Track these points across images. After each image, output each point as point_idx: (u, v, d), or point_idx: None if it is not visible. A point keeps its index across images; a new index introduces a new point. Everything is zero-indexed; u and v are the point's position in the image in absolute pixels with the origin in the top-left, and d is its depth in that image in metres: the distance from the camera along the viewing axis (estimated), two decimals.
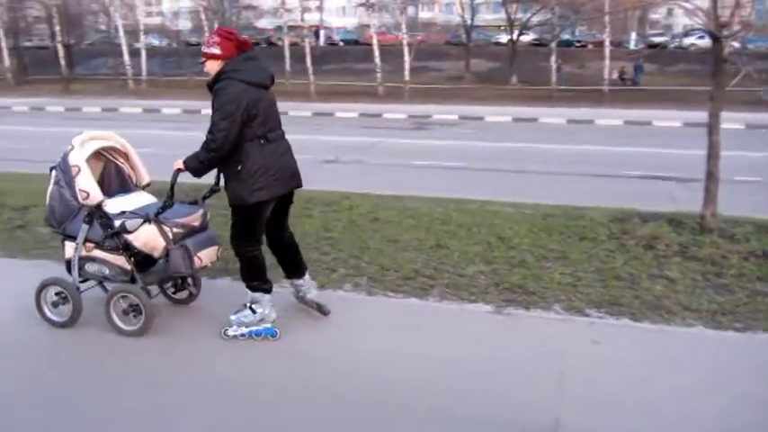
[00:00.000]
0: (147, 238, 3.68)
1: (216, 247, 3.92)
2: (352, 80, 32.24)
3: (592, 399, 3.13)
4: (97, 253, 3.82)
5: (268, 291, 3.84)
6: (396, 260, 4.95)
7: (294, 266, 4.00)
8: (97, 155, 4.04)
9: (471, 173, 10.47)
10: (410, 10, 32.27)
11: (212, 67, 3.59)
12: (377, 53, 28.63)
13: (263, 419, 2.96)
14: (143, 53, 34.74)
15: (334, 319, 3.99)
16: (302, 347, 3.63)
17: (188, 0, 43.72)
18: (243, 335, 3.74)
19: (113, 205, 3.83)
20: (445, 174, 10.41)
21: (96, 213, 3.77)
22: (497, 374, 3.36)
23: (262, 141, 3.56)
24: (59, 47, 35.70)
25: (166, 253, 3.68)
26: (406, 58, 28.03)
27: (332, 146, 13.76)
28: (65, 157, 3.79)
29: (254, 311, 3.78)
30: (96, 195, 3.74)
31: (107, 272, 3.84)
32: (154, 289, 4.13)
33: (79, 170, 3.73)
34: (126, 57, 34.35)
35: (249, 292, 3.83)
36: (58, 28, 35.70)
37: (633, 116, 18.98)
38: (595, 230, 5.74)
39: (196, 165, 3.59)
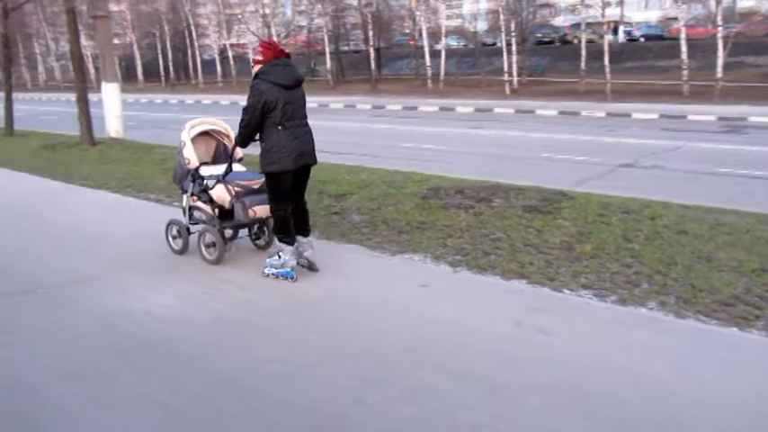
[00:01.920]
0: (220, 193, 5.11)
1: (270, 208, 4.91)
2: (653, 78, 29.96)
3: None
4: (199, 203, 5.31)
5: (290, 243, 4.80)
6: (710, 281, 4.42)
7: (300, 228, 4.93)
8: (210, 135, 5.62)
9: None
10: None
11: (257, 68, 4.65)
12: (684, 48, 26.12)
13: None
14: (443, 54, 36.64)
15: (633, 338, 3.71)
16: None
17: (486, 1, 44.94)
18: (273, 274, 4.83)
19: (207, 170, 5.30)
20: (764, 186, 9.07)
21: (196, 175, 5.25)
22: None
23: (279, 128, 4.55)
24: (371, 50, 39.52)
25: (232, 206, 5.08)
26: (720, 53, 25.05)
27: (628, 149, 12.94)
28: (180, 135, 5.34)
29: (279, 257, 4.81)
30: (194, 162, 5.24)
31: (204, 217, 5.33)
32: (243, 233, 5.70)
33: (185, 144, 5.26)
34: (427, 58, 36.60)
35: (277, 242, 4.85)
36: (371, 33, 39.49)
37: None
38: None
39: (239, 139, 4.83)
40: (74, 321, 4.16)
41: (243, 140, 4.81)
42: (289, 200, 4.76)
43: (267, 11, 46.08)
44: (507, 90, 31.48)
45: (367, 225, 6.21)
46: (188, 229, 5.46)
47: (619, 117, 20.06)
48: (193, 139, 5.35)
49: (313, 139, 4.82)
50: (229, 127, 5.54)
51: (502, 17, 33.12)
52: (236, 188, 5.05)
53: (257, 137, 4.73)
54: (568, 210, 6.38)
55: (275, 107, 4.50)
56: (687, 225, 5.75)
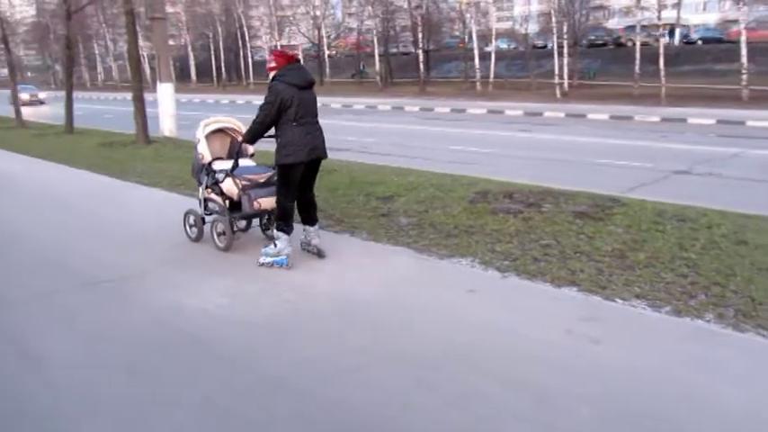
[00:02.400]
0: (229, 186, 5.49)
1: (275, 198, 5.25)
2: (711, 82, 29.05)
3: None
4: (212, 195, 5.73)
5: (288, 233, 5.19)
6: None
7: (308, 217, 5.44)
8: (225, 132, 6.09)
9: None
10: None
11: (272, 74, 5.10)
12: (744, 51, 25.24)
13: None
14: (492, 57, 36.36)
15: (689, 351, 3.59)
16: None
17: (538, 4, 44.39)
18: (268, 262, 5.17)
19: (219, 165, 5.72)
20: None
21: (209, 168, 5.68)
22: None
23: (294, 124, 4.98)
24: (420, 52, 39.47)
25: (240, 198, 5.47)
26: None
27: (683, 155, 12.58)
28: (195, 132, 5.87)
29: (275, 245, 5.16)
30: (207, 157, 5.74)
31: (216, 208, 5.75)
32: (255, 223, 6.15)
33: (199, 141, 5.78)
34: (476, 60, 36.37)
35: (276, 231, 5.19)
36: (420, 35, 39.45)
37: None
38: None
39: (248, 136, 5.28)
40: (127, 317, 4.27)
41: (252, 137, 5.27)
42: (295, 192, 5.19)
43: (318, 13, 46.57)
44: (558, 93, 31.01)
45: (414, 228, 6.18)
46: (203, 218, 5.97)
47: (674, 122, 19.52)
48: (208, 137, 5.89)
49: (323, 135, 5.24)
50: (242, 125, 5.85)
51: (554, 19, 32.67)
52: (243, 182, 5.47)
53: (267, 134, 5.20)
54: (621, 216, 6.24)
55: (291, 105, 4.97)
56: (747, 235, 5.55)
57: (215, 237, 5.76)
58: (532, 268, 4.93)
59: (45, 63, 71.06)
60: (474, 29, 37.02)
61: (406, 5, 41.57)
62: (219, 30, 51.07)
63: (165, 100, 15.25)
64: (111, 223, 6.92)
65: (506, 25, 46.55)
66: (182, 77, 52.73)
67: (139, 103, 14.14)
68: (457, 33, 44.69)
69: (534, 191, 7.45)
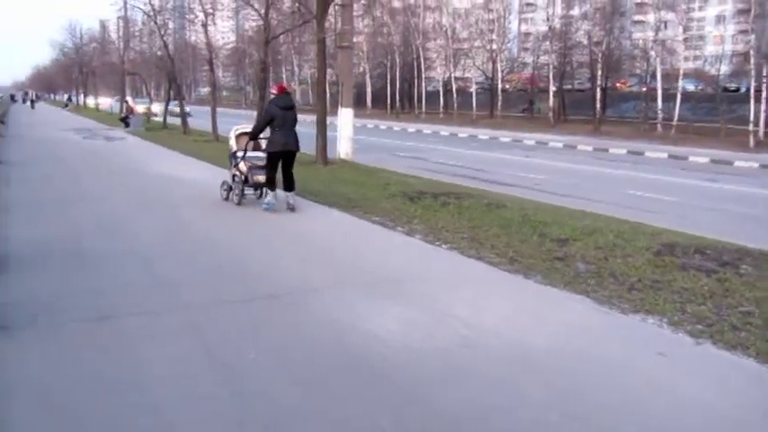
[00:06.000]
0: (242, 166, 9.06)
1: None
2: None
3: None
4: (236, 172, 9.23)
5: (272, 190, 8.71)
6: None
7: (288, 186, 8.80)
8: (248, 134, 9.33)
9: None
10: None
11: (272, 97, 8.92)
12: None
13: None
14: (678, 98, 34.17)
15: None
16: None
17: (732, 43, 41.19)
18: (265, 208, 8.72)
19: (239, 153, 9.11)
20: None
21: (235, 155, 9.26)
22: None
23: (276, 129, 8.51)
24: (597, 90, 38.12)
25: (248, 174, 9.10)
26: None
27: None
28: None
29: (267, 198, 8.79)
30: (234, 148, 9.37)
31: (237, 180, 9.18)
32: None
33: (230, 138, 9.60)
34: (659, 101, 34.39)
35: (268, 190, 8.78)
36: (599, 72, 38.11)
37: None
38: None
39: (251, 134, 9.09)
40: (305, 330, 4.45)
41: (253, 135, 9.02)
42: (276, 169, 8.66)
43: (494, 47, 46.73)
44: (751, 142, 28.27)
45: (593, 276, 5.84)
46: (230, 186, 9.40)
47: None
48: (238, 137, 9.40)
49: (296, 137, 8.67)
50: None
51: (752, 60, 30.02)
52: (249, 164, 8.96)
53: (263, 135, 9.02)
54: None
55: (275, 118, 8.48)
56: None
57: (234, 197, 9.23)
58: (731, 337, 4.41)
59: (238, 84, 77.98)
60: (659, 67, 35.06)
61: (585, 41, 40.44)
62: (397, 60, 52.94)
63: (345, 124, 15.97)
64: (290, 238, 7.31)
65: (694, 65, 43.64)
66: (358, 103, 55.18)
67: (323, 126, 14.93)
68: (638, 71, 42.62)
69: (729, 248, 6.79)
